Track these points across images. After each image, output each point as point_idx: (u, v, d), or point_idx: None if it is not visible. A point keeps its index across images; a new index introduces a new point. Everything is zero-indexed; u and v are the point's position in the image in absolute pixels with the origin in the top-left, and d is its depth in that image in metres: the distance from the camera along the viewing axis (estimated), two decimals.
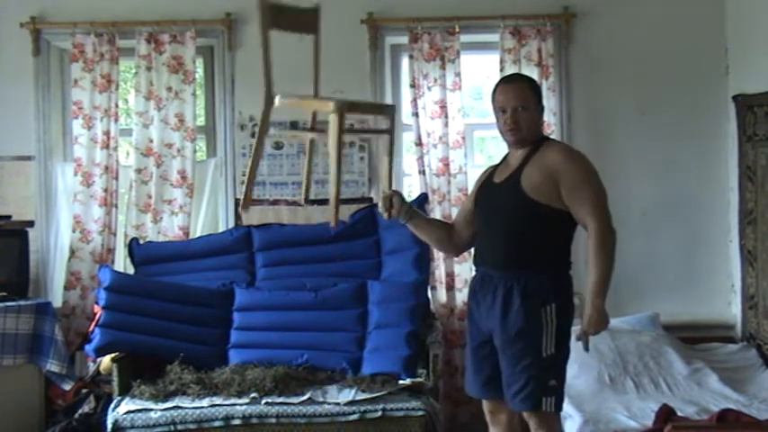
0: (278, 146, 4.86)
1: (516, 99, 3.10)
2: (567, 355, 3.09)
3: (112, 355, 4.10)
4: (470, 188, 3.51)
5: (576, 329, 3.09)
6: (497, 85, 3.20)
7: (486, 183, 3.24)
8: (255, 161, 3.29)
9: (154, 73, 4.76)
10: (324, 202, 4.79)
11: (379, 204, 3.30)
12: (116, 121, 4.78)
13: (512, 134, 3.12)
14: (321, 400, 3.86)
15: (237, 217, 4.85)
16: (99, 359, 4.27)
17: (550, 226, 3.05)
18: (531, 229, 3.04)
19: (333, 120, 3.05)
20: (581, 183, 3.01)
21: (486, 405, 3.30)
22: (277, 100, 3.17)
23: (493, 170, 3.27)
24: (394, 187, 4.86)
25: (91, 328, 4.34)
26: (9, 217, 4.62)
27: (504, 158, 3.26)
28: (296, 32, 3.28)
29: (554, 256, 3.09)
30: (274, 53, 4.79)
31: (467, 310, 3.30)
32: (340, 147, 3.07)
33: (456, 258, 4.61)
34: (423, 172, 4.73)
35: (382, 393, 3.87)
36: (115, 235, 4.79)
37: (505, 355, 3.06)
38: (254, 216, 4.81)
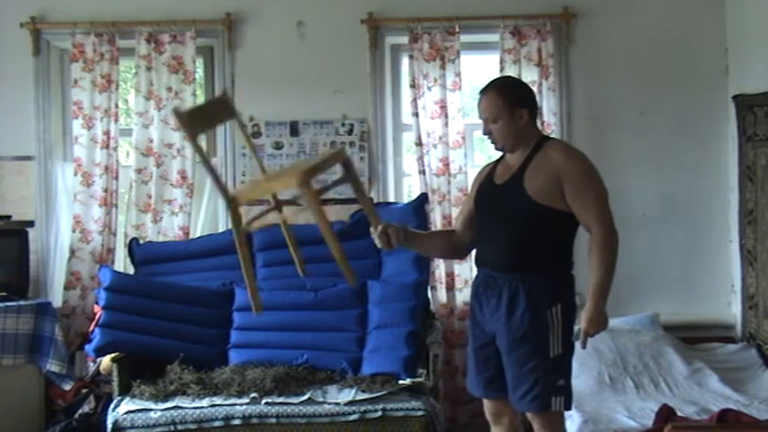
0: (278, 146, 4.86)
1: (485, 112, 3.12)
2: (572, 353, 3.09)
3: (112, 355, 4.10)
4: (470, 186, 3.49)
5: (574, 329, 3.09)
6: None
7: (487, 184, 3.22)
8: (247, 264, 3.11)
9: (154, 73, 4.76)
10: (324, 202, 4.80)
11: (377, 242, 3.18)
12: (116, 121, 4.78)
13: (492, 144, 3.16)
14: (321, 400, 3.86)
15: None
16: (99, 359, 4.27)
17: (554, 227, 3.05)
18: (535, 230, 3.03)
19: (304, 193, 2.82)
20: (584, 184, 3.01)
21: (488, 405, 3.29)
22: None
23: (491, 169, 3.25)
24: (392, 192, 4.91)
25: (91, 328, 4.34)
26: (9, 217, 4.62)
27: (503, 157, 3.24)
28: (219, 124, 3.19)
29: (558, 256, 3.09)
30: (273, 53, 4.85)
31: (469, 310, 3.29)
32: (321, 212, 2.88)
33: None
34: (423, 172, 4.73)
35: (382, 393, 3.87)
36: (115, 235, 4.79)
37: (511, 356, 3.06)
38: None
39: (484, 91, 3.17)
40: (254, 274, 3.01)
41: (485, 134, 3.16)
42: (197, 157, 4.81)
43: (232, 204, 3.00)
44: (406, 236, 3.20)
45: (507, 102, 3.09)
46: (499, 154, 3.29)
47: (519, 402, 3.07)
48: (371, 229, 3.19)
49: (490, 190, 3.18)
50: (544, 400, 3.01)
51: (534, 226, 3.03)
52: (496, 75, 4.70)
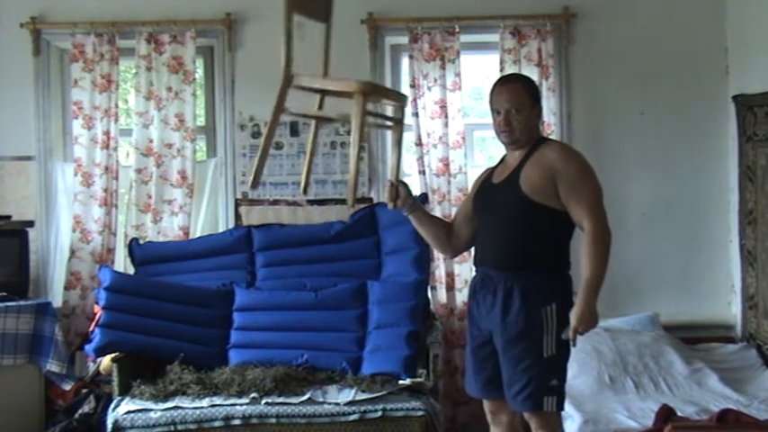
0: (278, 146, 4.86)
1: (509, 101, 3.10)
2: (568, 355, 3.09)
3: (112, 355, 4.10)
4: (470, 188, 3.50)
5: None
6: (494, 86, 3.20)
7: (485, 184, 3.24)
8: (268, 141, 3.22)
9: (154, 73, 4.76)
10: (324, 202, 4.83)
11: (385, 194, 3.26)
12: (116, 121, 4.78)
13: (505, 136, 3.13)
14: (321, 400, 3.86)
15: (237, 217, 4.85)
16: (99, 359, 4.27)
17: (550, 226, 3.05)
18: (531, 229, 3.04)
19: (357, 100, 3.00)
20: (579, 182, 3.02)
21: (487, 405, 3.30)
22: (295, 79, 3.14)
23: (491, 172, 3.27)
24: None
25: (91, 328, 4.34)
26: (9, 217, 4.62)
27: (503, 159, 3.26)
28: (311, 19, 3.29)
29: (553, 255, 3.09)
30: (273, 53, 4.83)
31: (467, 310, 3.29)
32: (362, 128, 3.03)
33: (456, 258, 4.60)
34: (423, 172, 4.73)
35: (382, 393, 3.86)
36: (115, 235, 4.79)
37: (506, 355, 3.06)
38: (254, 216, 4.82)
39: (506, 82, 3.19)
40: (268, 149, 3.24)
41: (502, 127, 3.11)
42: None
43: (286, 78, 3.11)
44: (413, 204, 3.28)
45: (531, 94, 3.14)
46: (501, 156, 3.30)
47: (513, 401, 3.08)
48: (386, 183, 3.32)
49: (488, 189, 3.20)
50: (536, 399, 3.01)
51: (529, 224, 3.04)
52: (496, 75, 4.70)
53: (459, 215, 3.37)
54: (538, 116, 3.19)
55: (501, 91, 3.15)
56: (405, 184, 3.27)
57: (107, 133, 4.75)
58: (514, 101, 3.10)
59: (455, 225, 3.36)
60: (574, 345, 3.04)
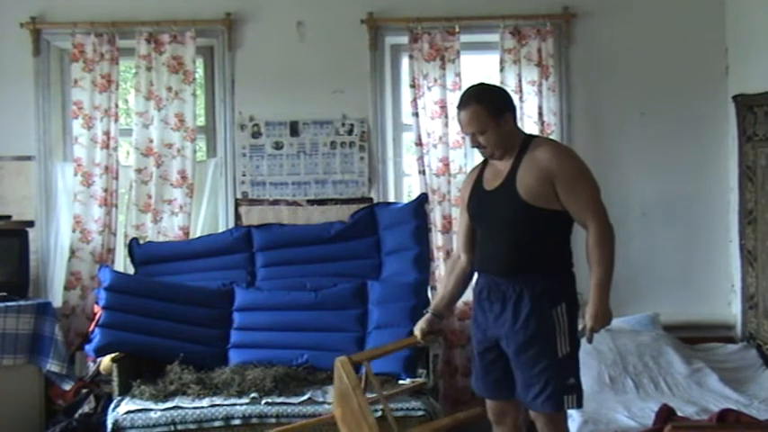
0: (278, 146, 4.86)
1: (469, 126, 3.10)
2: (579, 351, 3.10)
3: (112, 355, 4.11)
4: (461, 195, 3.46)
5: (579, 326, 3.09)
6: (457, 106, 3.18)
7: (477, 191, 3.20)
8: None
9: (154, 73, 4.76)
10: (324, 202, 4.83)
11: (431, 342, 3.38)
12: (116, 121, 4.78)
13: (481, 154, 3.17)
14: (321, 400, 3.87)
15: (237, 217, 4.85)
16: (99, 359, 4.27)
17: (550, 227, 3.05)
18: (534, 233, 3.04)
19: None
20: (576, 181, 3.02)
21: (492, 406, 3.29)
22: None
23: (478, 174, 3.23)
24: (392, 192, 4.91)
25: (91, 328, 4.34)
26: (9, 217, 4.62)
27: (487, 160, 3.23)
28: None
29: (557, 256, 3.09)
30: (273, 53, 4.85)
31: (471, 314, 3.29)
32: None
33: None
34: (423, 172, 4.73)
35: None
36: (115, 235, 4.79)
37: (520, 359, 3.06)
38: (253, 216, 4.82)
39: (463, 105, 3.12)
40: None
41: (474, 146, 3.15)
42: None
43: None
44: (439, 315, 3.35)
45: (491, 111, 3.07)
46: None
47: (532, 403, 3.07)
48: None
49: (482, 197, 3.17)
50: (557, 399, 3.02)
51: (531, 228, 3.03)
52: (497, 75, 4.71)
53: (463, 236, 3.32)
54: (509, 122, 3.11)
55: (461, 115, 3.12)
56: (422, 331, 3.34)
57: (107, 133, 4.75)
58: (474, 125, 3.08)
59: (464, 252, 3.31)
60: (590, 342, 3.07)
